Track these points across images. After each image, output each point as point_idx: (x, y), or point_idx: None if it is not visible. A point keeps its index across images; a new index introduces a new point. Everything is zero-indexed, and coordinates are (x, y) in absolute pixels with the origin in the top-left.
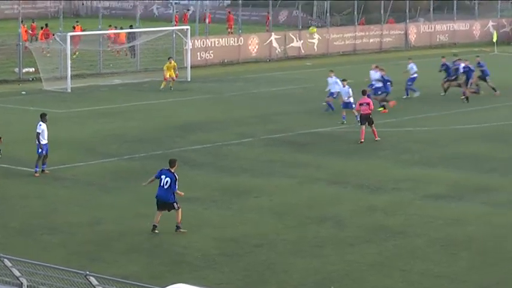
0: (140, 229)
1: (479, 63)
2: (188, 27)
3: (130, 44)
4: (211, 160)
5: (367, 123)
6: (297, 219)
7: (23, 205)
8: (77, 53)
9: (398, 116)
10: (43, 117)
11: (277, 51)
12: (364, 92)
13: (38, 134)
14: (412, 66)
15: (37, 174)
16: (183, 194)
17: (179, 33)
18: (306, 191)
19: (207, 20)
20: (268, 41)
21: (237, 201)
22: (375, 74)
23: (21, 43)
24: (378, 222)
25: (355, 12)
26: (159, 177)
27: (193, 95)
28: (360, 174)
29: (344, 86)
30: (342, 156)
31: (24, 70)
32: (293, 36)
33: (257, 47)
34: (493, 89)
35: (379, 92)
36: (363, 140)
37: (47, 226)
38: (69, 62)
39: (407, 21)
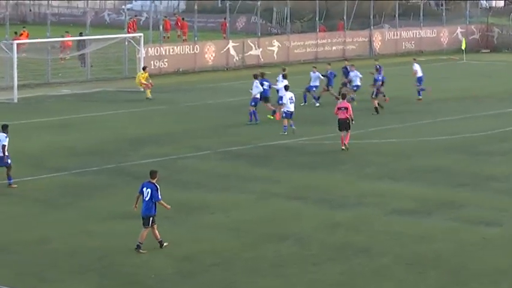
0: (90, 248)
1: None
2: (141, 34)
3: (80, 52)
4: (165, 174)
5: (344, 128)
6: (255, 237)
7: None
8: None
9: (364, 127)
10: (5, 128)
11: (235, 60)
12: (343, 96)
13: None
14: (415, 67)
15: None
16: (169, 207)
17: (132, 41)
18: (265, 207)
19: (161, 27)
20: (225, 49)
21: (192, 218)
22: (314, 75)
23: None
24: (342, 240)
25: (317, 19)
26: (141, 191)
27: (146, 106)
28: (321, 189)
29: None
30: (302, 169)
31: None
32: (252, 44)
33: (214, 55)
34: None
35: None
36: (343, 147)
37: None
38: (15, 71)
39: (372, 27)
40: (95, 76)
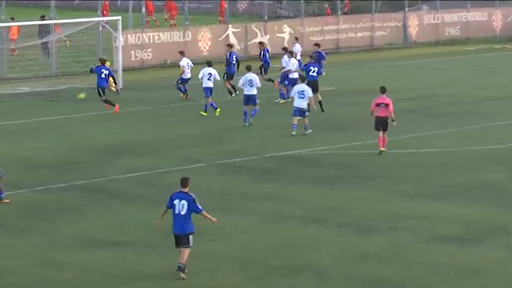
0: (57, 281)
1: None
2: (119, 17)
3: (43, 40)
4: (149, 192)
5: (382, 128)
6: (263, 269)
7: None
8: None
9: (397, 134)
10: None
11: (235, 49)
12: (383, 90)
13: None
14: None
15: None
16: (215, 219)
17: (107, 26)
18: (274, 232)
19: (143, 9)
20: (223, 36)
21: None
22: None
23: None
24: (370, 273)
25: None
26: (171, 205)
27: (124, 107)
28: (344, 210)
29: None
30: (319, 185)
31: None
32: (256, 30)
33: (209, 43)
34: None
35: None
36: (382, 149)
37: None
38: None
39: (407, 9)
40: (62, 70)
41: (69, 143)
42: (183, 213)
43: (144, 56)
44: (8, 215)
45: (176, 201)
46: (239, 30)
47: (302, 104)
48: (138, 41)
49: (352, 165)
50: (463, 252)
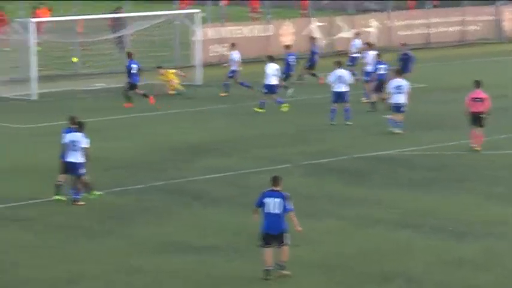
0: (133, 286)
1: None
2: (198, 10)
3: (118, 35)
4: (232, 194)
5: (478, 125)
6: (351, 276)
7: None
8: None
9: (492, 133)
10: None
11: (320, 44)
12: (477, 84)
13: None
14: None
15: None
16: (301, 229)
17: (185, 19)
18: (363, 237)
19: (221, 2)
20: (307, 30)
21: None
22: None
23: None
24: (466, 281)
25: None
26: (261, 204)
27: (204, 105)
28: (438, 214)
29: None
30: (412, 189)
31: None
32: (342, 24)
33: (292, 37)
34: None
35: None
36: (476, 148)
37: (4, 286)
38: (34, 58)
39: (499, 2)
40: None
41: (147, 142)
42: (276, 211)
43: (224, 51)
44: (87, 217)
45: (268, 200)
46: (323, 24)
47: (399, 99)
48: (218, 35)
49: (445, 167)
50: None
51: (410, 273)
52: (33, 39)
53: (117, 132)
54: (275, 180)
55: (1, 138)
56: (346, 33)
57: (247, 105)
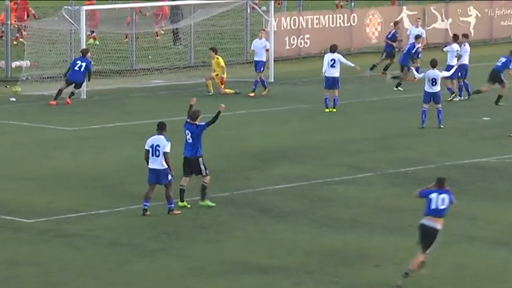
0: None
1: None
2: None
3: (180, 25)
4: (305, 207)
5: None
6: None
7: (10, 275)
8: (94, 39)
9: None
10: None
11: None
12: None
13: None
14: None
15: None
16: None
17: (256, 7)
18: (456, 257)
19: None
20: (397, 20)
21: (347, 272)
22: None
23: (9, 23)
24: None
25: None
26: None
27: (276, 105)
28: None
29: None
30: (511, 202)
31: (13, 64)
32: (436, 12)
33: (380, 28)
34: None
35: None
36: None
37: None
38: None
39: None
40: (201, 60)
41: (213, 147)
42: (443, 207)
43: (301, 43)
44: (139, 233)
45: (435, 195)
46: (415, 13)
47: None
48: (294, 25)
49: None
50: None
51: None
52: (83, 30)
53: (177, 135)
54: (441, 181)
55: (45, 142)
56: (441, 24)
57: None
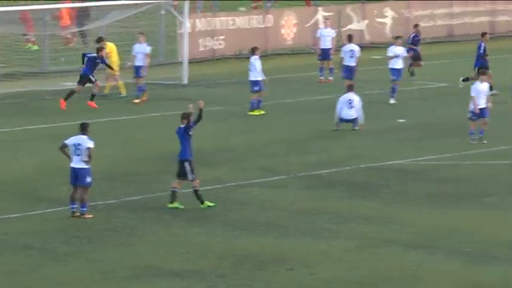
0: None
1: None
2: None
3: (91, 26)
4: (219, 210)
5: None
6: None
7: None
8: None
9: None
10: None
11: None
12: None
13: None
14: None
15: None
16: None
17: (170, 8)
18: (370, 261)
19: None
20: (312, 21)
21: (261, 276)
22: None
23: None
24: None
25: None
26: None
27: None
28: (455, 234)
29: None
30: (427, 204)
31: None
32: (352, 14)
33: (295, 30)
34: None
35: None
36: None
37: None
38: None
39: None
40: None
41: (126, 150)
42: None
43: (216, 45)
44: (53, 237)
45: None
46: (331, 14)
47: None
48: (209, 26)
49: (466, 179)
50: None
51: None
52: None
53: (92, 137)
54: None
55: None
56: (356, 25)
57: (242, 107)
